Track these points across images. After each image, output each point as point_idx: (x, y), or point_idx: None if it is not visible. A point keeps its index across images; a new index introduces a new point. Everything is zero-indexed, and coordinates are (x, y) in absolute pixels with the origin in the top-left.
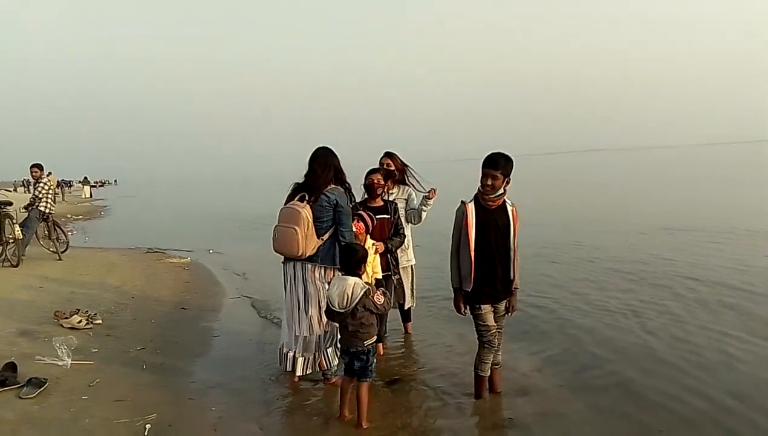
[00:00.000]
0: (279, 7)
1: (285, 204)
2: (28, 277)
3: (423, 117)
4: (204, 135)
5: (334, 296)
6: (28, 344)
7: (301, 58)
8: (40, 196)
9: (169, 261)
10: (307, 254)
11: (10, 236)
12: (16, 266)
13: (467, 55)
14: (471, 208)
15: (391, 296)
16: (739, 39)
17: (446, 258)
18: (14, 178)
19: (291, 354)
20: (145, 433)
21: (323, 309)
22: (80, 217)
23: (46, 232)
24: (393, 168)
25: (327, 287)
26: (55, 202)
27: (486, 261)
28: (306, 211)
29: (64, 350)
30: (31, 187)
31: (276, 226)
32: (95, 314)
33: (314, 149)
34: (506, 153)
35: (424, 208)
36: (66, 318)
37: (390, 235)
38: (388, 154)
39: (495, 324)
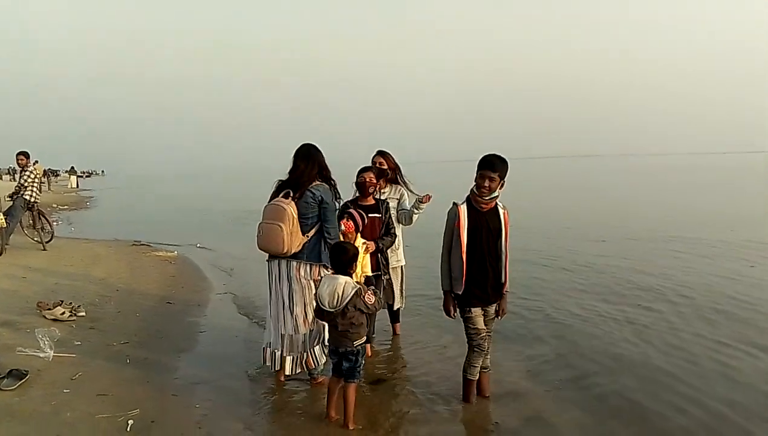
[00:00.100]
0: (279, 7)
1: (269, 201)
2: (11, 266)
3: (422, 117)
4: (206, 126)
5: (325, 295)
6: (9, 335)
7: (301, 55)
8: (26, 184)
9: (155, 254)
10: (292, 251)
11: None
12: (0, 254)
13: (466, 56)
14: (463, 210)
15: (380, 295)
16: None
17: (436, 260)
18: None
19: (278, 353)
20: (128, 429)
21: (309, 307)
22: (66, 207)
23: (31, 221)
24: (386, 167)
25: (312, 284)
26: (41, 192)
27: (477, 264)
28: (291, 208)
29: (46, 342)
30: (16, 176)
31: (260, 223)
32: (79, 306)
33: (299, 146)
34: (502, 155)
35: (416, 211)
36: (49, 309)
37: (381, 234)
38: (381, 153)
39: (485, 327)
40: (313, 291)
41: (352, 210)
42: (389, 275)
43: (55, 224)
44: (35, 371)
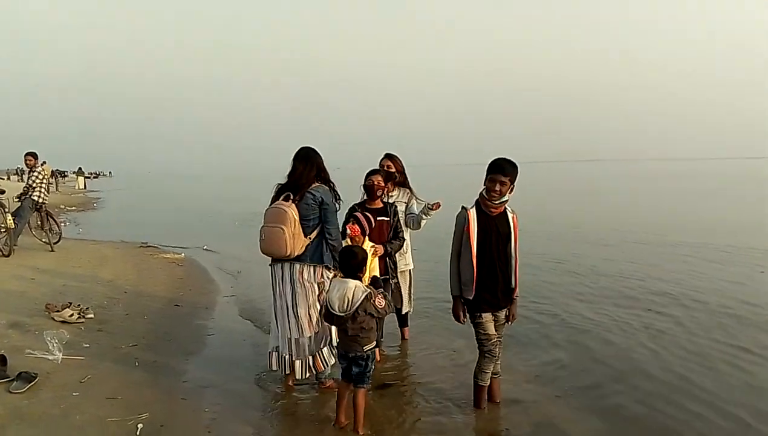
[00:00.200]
0: (279, 7)
1: (270, 205)
2: (19, 267)
3: (421, 118)
4: (206, 126)
5: (335, 299)
6: (18, 337)
7: (302, 54)
8: (34, 185)
9: (162, 256)
10: (296, 254)
11: (2, 226)
12: (8, 255)
13: (466, 57)
14: (473, 214)
15: (390, 299)
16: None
17: (443, 263)
18: (7, 167)
19: (286, 357)
20: (137, 433)
21: (312, 309)
22: (73, 208)
23: (39, 222)
24: (393, 170)
25: (316, 287)
26: (48, 192)
27: (487, 268)
28: (292, 211)
29: (55, 344)
30: (24, 176)
31: (262, 227)
32: (87, 308)
33: (298, 148)
34: (511, 159)
35: (424, 217)
36: (57, 311)
37: (389, 238)
38: (389, 156)
39: (496, 333)
40: (317, 293)
41: (358, 214)
42: (397, 278)
43: (62, 224)
44: (44, 373)
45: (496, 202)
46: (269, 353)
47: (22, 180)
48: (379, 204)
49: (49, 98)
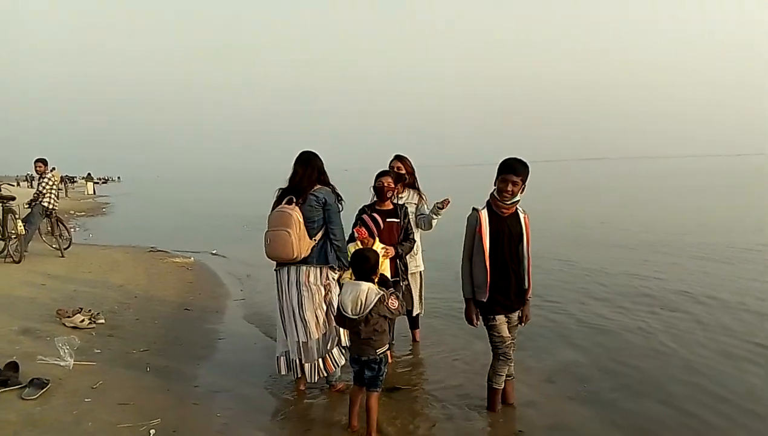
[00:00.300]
0: (279, 7)
1: (272, 209)
2: (30, 273)
3: (425, 120)
4: (224, 131)
5: (347, 302)
6: (30, 343)
7: (302, 54)
8: (44, 191)
9: (172, 261)
10: (302, 256)
11: (13, 232)
12: (18, 262)
13: (466, 57)
14: (484, 215)
15: (402, 299)
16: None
17: (452, 264)
18: (17, 173)
19: (297, 360)
20: None
21: (319, 311)
22: (83, 213)
23: (49, 228)
24: (404, 172)
25: (322, 288)
26: (58, 198)
27: (499, 270)
28: (296, 213)
29: (66, 350)
30: (34, 182)
31: (267, 231)
32: (98, 313)
33: (299, 153)
34: (522, 158)
35: (434, 216)
36: (68, 317)
37: (400, 239)
38: (399, 158)
39: (509, 335)
40: (323, 294)
41: (365, 216)
42: (408, 280)
43: (72, 230)
44: (56, 379)
45: (508, 202)
46: (277, 357)
47: (32, 186)
48: (389, 205)
49: (57, 104)
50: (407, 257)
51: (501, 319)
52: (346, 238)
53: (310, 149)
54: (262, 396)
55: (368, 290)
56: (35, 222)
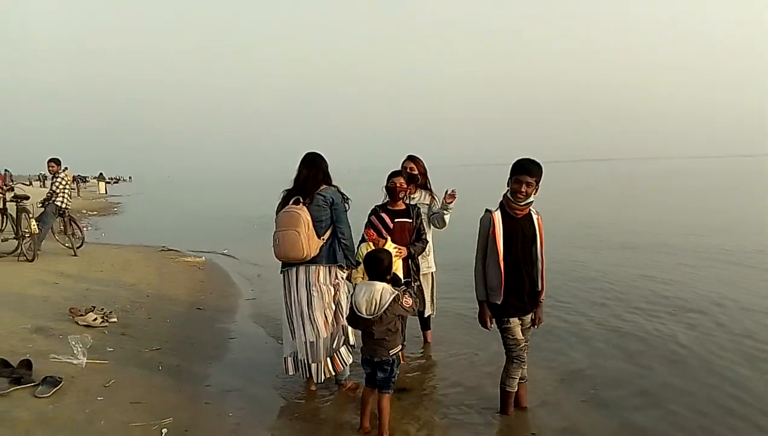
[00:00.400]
0: (279, 7)
1: (279, 210)
2: (43, 272)
3: (428, 120)
4: (233, 133)
5: (362, 302)
6: (43, 341)
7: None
8: (57, 191)
9: (183, 260)
10: (311, 256)
11: (26, 231)
12: (32, 260)
13: (466, 58)
14: (498, 216)
15: (415, 297)
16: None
17: (463, 265)
18: (29, 173)
19: (305, 360)
20: None
21: (328, 310)
22: (95, 213)
23: (62, 227)
24: (416, 172)
25: (332, 288)
26: (71, 198)
27: (513, 272)
28: (305, 213)
29: (79, 349)
30: (47, 182)
31: (275, 232)
32: (110, 312)
33: (304, 154)
34: (535, 159)
35: (445, 212)
36: (81, 316)
37: (412, 240)
38: (411, 158)
39: (523, 338)
40: (332, 294)
41: (372, 217)
42: (420, 281)
43: (84, 229)
44: (69, 378)
45: (522, 203)
46: (284, 358)
47: (45, 186)
48: (401, 206)
49: (69, 104)
50: (419, 257)
51: (515, 321)
52: (356, 238)
53: (315, 151)
54: (274, 396)
55: (382, 289)
56: (48, 221)
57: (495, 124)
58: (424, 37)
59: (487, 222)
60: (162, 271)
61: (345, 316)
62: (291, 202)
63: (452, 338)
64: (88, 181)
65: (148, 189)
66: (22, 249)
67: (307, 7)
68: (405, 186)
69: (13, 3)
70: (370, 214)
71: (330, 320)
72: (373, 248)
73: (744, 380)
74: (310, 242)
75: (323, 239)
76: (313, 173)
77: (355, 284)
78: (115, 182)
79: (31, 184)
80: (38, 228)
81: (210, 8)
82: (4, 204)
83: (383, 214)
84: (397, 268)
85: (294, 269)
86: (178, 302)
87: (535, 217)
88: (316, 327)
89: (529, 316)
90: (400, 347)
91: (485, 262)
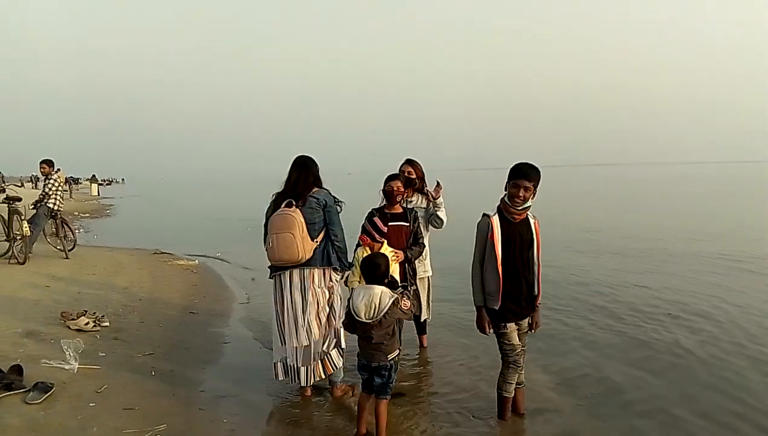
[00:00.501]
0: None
1: (270, 214)
2: (34, 275)
3: (427, 120)
4: (227, 134)
5: (361, 306)
6: (34, 346)
7: (303, 57)
8: (50, 193)
9: (176, 263)
10: (306, 258)
11: (18, 233)
12: (23, 263)
13: (467, 58)
14: (496, 221)
15: (413, 299)
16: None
17: (458, 270)
18: (21, 174)
19: (295, 366)
20: None
21: (322, 313)
22: (87, 215)
23: (54, 229)
24: (414, 176)
25: (326, 290)
26: (63, 200)
27: (511, 277)
28: (298, 216)
29: (71, 354)
30: (39, 184)
31: (269, 235)
32: (103, 316)
33: (295, 157)
34: (533, 163)
35: (437, 208)
36: (73, 320)
37: (409, 244)
38: (409, 162)
39: (520, 343)
40: (327, 297)
41: (366, 223)
42: (416, 285)
43: (77, 231)
44: (60, 383)
45: (520, 208)
46: (274, 363)
47: (37, 188)
48: (398, 209)
49: (60, 105)
50: (416, 262)
51: (512, 327)
52: (351, 241)
53: (306, 154)
54: (269, 401)
55: (381, 293)
56: (40, 223)
57: (495, 127)
58: (424, 37)
59: (485, 226)
60: (155, 274)
61: (338, 319)
62: (283, 205)
63: (448, 343)
64: (80, 183)
65: (140, 191)
66: (13, 252)
67: (307, 7)
68: (402, 190)
69: (13, 3)
70: (366, 218)
71: (323, 323)
72: (370, 252)
73: (746, 383)
74: (305, 245)
75: (316, 242)
76: (303, 176)
77: (352, 289)
78: (107, 184)
79: (23, 185)
80: (30, 230)
81: (210, 8)
82: None
83: (376, 219)
84: (394, 271)
85: (287, 273)
86: (172, 305)
87: (532, 221)
88: (311, 331)
89: (527, 320)
90: (397, 351)
91: (483, 267)
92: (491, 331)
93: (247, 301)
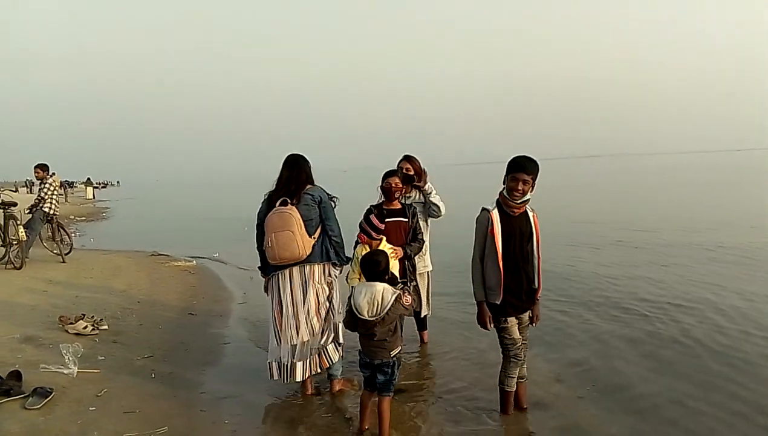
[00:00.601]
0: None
1: (265, 214)
2: (31, 279)
3: (428, 120)
4: (222, 134)
5: (363, 304)
6: (32, 351)
7: (305, 56)
8: (45, 197)
9: (174, 264)
10: (306, 254)
11: (14, 238)
12: (20, 268)
13: (466, 57)
14: (496, 215)
15: (413, 294)
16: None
17: (457, 264)
18: (15, 179)
19: (289, 364)
20: None
21: (322, 308)
22: (83, 218)
23: (50, 233)
24: (412, 172)
25: (326, 286)
26: (59, 204)
27: (511, 271)
28: (296, 213)
29: (70, 358)
30: (34, 188)
31: (268, 235)
32: (101, 319)
33: (287, 155)
34: (532, 156)
35: (428, 195)
36: (71, 324)
37: (408, 240)
38: (407, 158)
39: (521, 337)
40: (326, 293)
41: (363, 222)
42: (416, 281)
43: (73, 235)
44: (60, 388)
45: (519, 201)
46: (269, 363)
47: (32, 192)
48: (397, 205)
49: (55, 108)
50: (416, 257)
51: (512, 321)
52: (349, 237)
53: (298, 153)
54: (270, 402)
55: (383, 290)
56: (36, 228)
57: (494, 122)
58: (424, 37)
59: (484, 221)
60: (153, 276)
61: (337, 314)
62: (278, 203)
63: (449, 338)
64: (75, 187)
65: (136, 193)
66: (9, 257)
67: (306, 7)
68: (400, 186)
69: (13, 3)
70: (364, 215)
71: (324, 316)
72: (369, 249)
73: (758, 371)
74: (305, 241)
75: (314, 238)
76: (296, 174)
77: (353, 287)
78: (103, 187)
79: (17, 190)
80: (26, 235)
81: (210, 8)
82: None
83: (372, 217)
84: (393, 267)
85: (287, 270)
86: (170, 307)
87: (531, 214)
88: (311, 325)
89: (527, 314)
90: (400, 348)
91: (483, 261)
92: (492, 326)
93: (246, 301)
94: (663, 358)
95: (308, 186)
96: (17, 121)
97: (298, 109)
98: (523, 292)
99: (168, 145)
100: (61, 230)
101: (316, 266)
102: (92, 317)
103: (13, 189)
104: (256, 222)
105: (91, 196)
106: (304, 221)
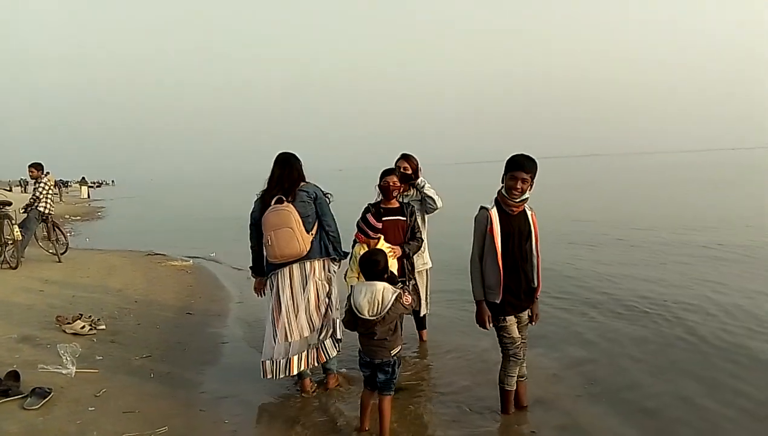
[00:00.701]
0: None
1: (260, 213)
2: (27, 279)
3: (427, 119)
4: (216, 133)
5: (363, 303)
6: (30, 351)
7: (305, 56)
8: (40, 196)
9: (171, 264)
10: (306, 251)
11: (9, 238)
12: (15, 267)
13: (465, 57)
14: (495, 214)
15: (413, 293)
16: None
17: (456, 262)
18: (9, 178)
19: (283, 361)
20: None
21: (322, 304)
22: (78, 218)
23: (46, 233)
24: (410, 171)
25: (325, 282)
26: (54, 203)
27: (510, 270)
28: (293, 210)
29: (68, 358)
30: (28, 188)
31: (266, 233)
32: (98, 319)
33: (277, 154)
34: (530, 155)
35: (421, 189)
36: (68, 323)
37: (407, 238)
38: (405, 157)
39: (520, 336)
40: (327, 289)
41: (359, 222)
42: (415, 279)
43: (68, 234)
44: (58, 388)
45: (517, 200)
46: (262, 362)
47: (26, 191)
48: (395, 204)
49: (49, 108)
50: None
51: (511, 320)
52: (346, 234)
53: (289, 151)
54: (269, 401)
55: (384, 289)
56: (32, 227)
57: (494, 122)
58: (424, 37)
59: (483, 219)
60: (149, 275)
61: (336, 310)
62: (273, 201)
63: (449, 337)
64: (70, 186)
65: (131, 192)
66: (5, 256)
67: (306, 7)
68: (398, 184)
69: (13, 3)
70: (362, 213)
71: (323, 311)
72: (367, 249)
73: (743, 373)
74: (304, 238)
75: (312, 234)
76: (287, 172)
77: (352, 286)
78: (97, 186)
79: (11, 189)
80: (21, 235)
81: (210, 8)
82: None
83: (368, 216)
84: (392, 266)
85: (287, 268)
86: (167, 306)
87: (529, 213)
88: (310, 322)
89: (526, 313)
90: (400, 347)
91: (482, 260)
92: (491, 325)
93: (243, 300)
94: (666, 355)
95: (302, 183)
96: (17, 121)
97: (297, 109)
98: (522, 291)
99: (168, 145)
100: (57, 229)
101: (316, 261)
102: (89, 316)
103: (7, 188)
104: (249, 222)
105: (86, 196)
106: (301, 218)
